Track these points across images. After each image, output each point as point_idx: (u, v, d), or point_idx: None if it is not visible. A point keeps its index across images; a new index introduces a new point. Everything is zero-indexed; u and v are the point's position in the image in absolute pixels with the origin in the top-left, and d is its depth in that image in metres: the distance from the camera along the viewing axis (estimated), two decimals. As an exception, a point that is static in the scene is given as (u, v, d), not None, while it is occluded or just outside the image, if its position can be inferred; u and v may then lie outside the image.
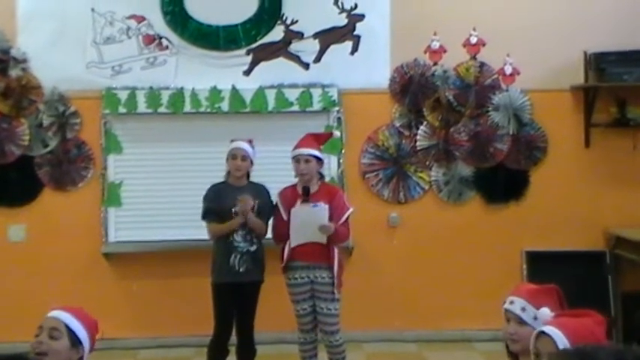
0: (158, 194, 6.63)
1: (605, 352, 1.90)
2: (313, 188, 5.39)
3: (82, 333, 3.08)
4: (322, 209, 5.25)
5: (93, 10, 6.60)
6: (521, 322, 3.10)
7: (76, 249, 6.62)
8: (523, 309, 3.11)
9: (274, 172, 6.02)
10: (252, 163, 5.51)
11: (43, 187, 6.64)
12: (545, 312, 3.02)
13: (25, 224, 6.66)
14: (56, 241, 6.61)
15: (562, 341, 2.66)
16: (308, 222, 5.24)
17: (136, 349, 6.62)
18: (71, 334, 3.04)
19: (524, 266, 6.74)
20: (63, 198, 6.66)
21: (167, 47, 6.67)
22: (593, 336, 2.69)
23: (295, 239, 5.29)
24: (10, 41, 6.55)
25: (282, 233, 5.36)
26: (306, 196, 5.28)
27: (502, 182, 6.79)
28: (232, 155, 5.44)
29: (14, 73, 6.51)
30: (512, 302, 3.16)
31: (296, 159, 5.36)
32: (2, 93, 6.51)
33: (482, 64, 6.76)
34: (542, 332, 2.75)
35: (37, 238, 6.63)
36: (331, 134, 6.00)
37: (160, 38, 6.67)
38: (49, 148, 6.61)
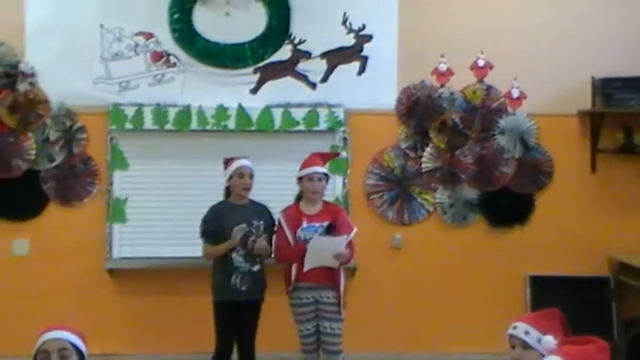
0: (163, 211, 6.62)
1: None
2: (317, 208, 5.40)
3: (83, 348, 3.09)
4: (341, 240, 5.27)
5: (101, 26, 6.62)
6: (525, 346, 3.09)
7: (80, 264, 6.60)
8: (527, 332, 3.11)
9: (278, 191, 6.03)
10: None
11: (48, 201, 6.63)
12: (549, 340, 3.01)
13: (29, 238, 6.64)
14: (60, 256, 6.59)
15: None
16: (326, 250, 5.25)
17: (137, 365, 6.61)
18: (77, 350, 3.04)
19: (528, 290, 6.72)
20: (68, 213, 6.66)
21: (174, 64, 6.69)
22: None
23: (309, 265, 5.26)
24: (18, 56, 6.56)
25: (287, 255, 5.35)
26: (332, 232, 5.29)
27: (507, 206, 6.78)
28: (239, 174, 5.44)
29: (22, 87, 6.52)
30: (515, 327, 3.17)
31: (309, 177, 5.37)
32: (10, 107, 6.52)
33: (489, 88, 6.78)
34: None
35: (40, 252, 6.61)
36: (337, 154, 6.01)
37: (168, 55, 6.68)
38: (55, 163, 6.61)
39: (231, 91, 6.67)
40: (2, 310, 6.51)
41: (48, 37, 6.59)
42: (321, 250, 5.25)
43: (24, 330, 5.87)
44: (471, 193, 6.79)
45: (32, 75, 6.55)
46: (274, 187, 6.16)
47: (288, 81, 6.73)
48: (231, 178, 5.46)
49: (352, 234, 5.39)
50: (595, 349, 2.75)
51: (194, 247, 5.83)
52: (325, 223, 5.33)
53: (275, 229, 5.47)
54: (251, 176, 5.47)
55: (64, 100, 6.59)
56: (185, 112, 6.61)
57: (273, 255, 5.49)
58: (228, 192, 5.55)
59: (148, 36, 6.67)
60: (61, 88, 6.56)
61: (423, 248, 6.77)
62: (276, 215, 5.51)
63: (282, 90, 6.70)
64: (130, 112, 6.60)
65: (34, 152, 6.57)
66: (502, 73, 6.73)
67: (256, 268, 5.39)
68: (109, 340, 6.55)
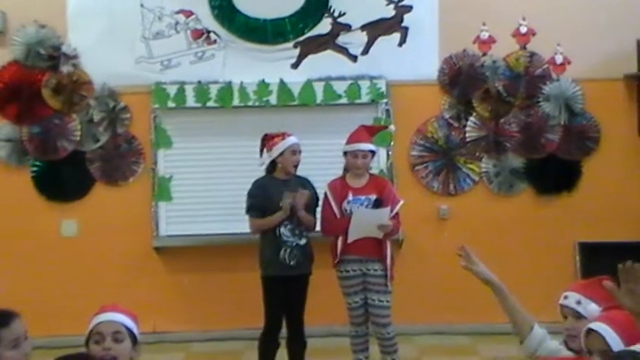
0: (208, 188, 6.66)
1: None
2: (363, 181, 5.38)
3: (136, 331, 3.09)
4: (385, 212, 5.25)
5: (142, 5, 6.65)
6: (578, 316, 3.04)
7: (128, 243, 6.67)
8: (578, 302, 3.06)
9: (321, 164, 6.06)
10: None
11: (94, 182, 6.71)
12: (593, 308, 2.97)
13: (77, 219, 6.73)
14: (108, 236, 6.67)
15: (611, 336, 2.60)
16: (369, 222, 5.25)
17: (187, 342, 6.67)
18: (130, 333, 3.04)
19: (578, 258, 6.65)
20: (114, 193, 6.73)
21: (215, 41, 6.70)
22: None
23: (353, 236, 5.27)
24: (61, 38, 6.63)
25: (334, 227, 5.35)
26: (379, 207, 5.27)
27: (553, 173, 6.72)
28: (292, 151, 5.42)
29: (65, 69, 6.60)
30: (566, 297, 3.11)
31: (354, 154, 5.34)
32: (54, 89, 6.60)
33: (532, 54, 6.68)
34: (591, 329, 2.69)
35: (89, 232, 6.70)
36: (384, 127, 5.98)
37: (208, 32, 6.69)
38: (99, 144, 6.68)
39: (272, 66, 6.67)
40: (53, 291, 6.61)
41: (89, 19, 6.64)
42: (365, 222, 5.25)
43: (75, 310, 5.95)
44: (516, 161, 6.72)
45: (75, 56, 6.62)
46: (317, 162, 6.16)
47: (329, 54, 6.71)
48: (282, 154, 5.44)
49: (398, 206, 5.37)
50: None
51: (240, 224, 5.85)
52: (372, 197, 5.32)
53: (321, 201, 5.46)
54: (300, 153, 5.48)
55: (107, 80, 6.64)
56: (227, 89, 6.63)
57: (318, 227, 5.48)
58: (271, 167, 5.53)
59: (188, 14, 6.69)
60: (104, 69, 6.61)
61: (469, 218, 6.73)
62: (320, 189, 5.50)
63: (323, 64, 6.68)
64: (172, 90, 6.63)
65: (79, 133, 6.64)
66: (545, 39, 6.63)
67: (303, 241, 5.39)
68: (159, 317, 6.62)
